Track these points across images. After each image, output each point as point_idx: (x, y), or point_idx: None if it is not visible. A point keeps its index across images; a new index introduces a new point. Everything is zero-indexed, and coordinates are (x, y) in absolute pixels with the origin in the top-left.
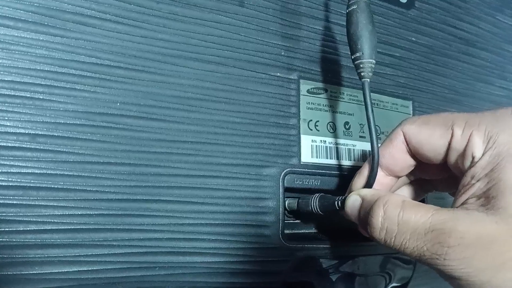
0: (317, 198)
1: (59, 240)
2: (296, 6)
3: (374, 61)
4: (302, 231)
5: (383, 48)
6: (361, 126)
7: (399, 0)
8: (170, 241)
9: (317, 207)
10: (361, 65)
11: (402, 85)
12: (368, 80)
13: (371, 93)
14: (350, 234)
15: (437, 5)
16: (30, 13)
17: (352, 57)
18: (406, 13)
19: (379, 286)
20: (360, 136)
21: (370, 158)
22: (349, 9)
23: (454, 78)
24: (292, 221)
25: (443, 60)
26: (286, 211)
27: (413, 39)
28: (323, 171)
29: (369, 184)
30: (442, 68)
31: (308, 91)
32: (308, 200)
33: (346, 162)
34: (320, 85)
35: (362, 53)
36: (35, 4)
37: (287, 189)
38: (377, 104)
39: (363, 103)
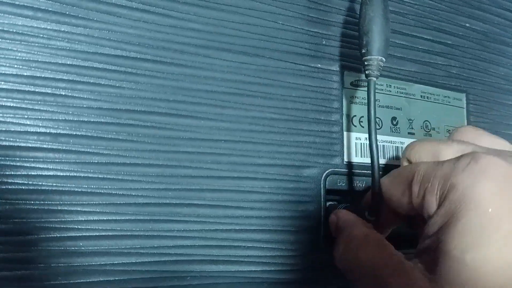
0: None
1: (83, 248)
2: None
3: (383, 59)
4: None
5: (433, 36)
6: (410, 121)
7: None
8: (202, 248)
9: None
10: (366, 62)
11: (454, 76)
12: (375, 79)
13: (423, 85)
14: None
15: None
16: (50, 2)
17: (360, 53)
18: None
19: None
20: (409, 133)
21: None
22: (362, 0)
23: (510, 67)
24: None
25: (499, 48)
26: None
27: (467, 25)
28: (369, 172)
29: (373, 198)
30: (498, 56)
31: (351, 83)
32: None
33: (393, 162)
34: (364, 77)
35: (367, 49)
36: None
37: (329, 192)
38: (428, 97)
39: (413, 96)
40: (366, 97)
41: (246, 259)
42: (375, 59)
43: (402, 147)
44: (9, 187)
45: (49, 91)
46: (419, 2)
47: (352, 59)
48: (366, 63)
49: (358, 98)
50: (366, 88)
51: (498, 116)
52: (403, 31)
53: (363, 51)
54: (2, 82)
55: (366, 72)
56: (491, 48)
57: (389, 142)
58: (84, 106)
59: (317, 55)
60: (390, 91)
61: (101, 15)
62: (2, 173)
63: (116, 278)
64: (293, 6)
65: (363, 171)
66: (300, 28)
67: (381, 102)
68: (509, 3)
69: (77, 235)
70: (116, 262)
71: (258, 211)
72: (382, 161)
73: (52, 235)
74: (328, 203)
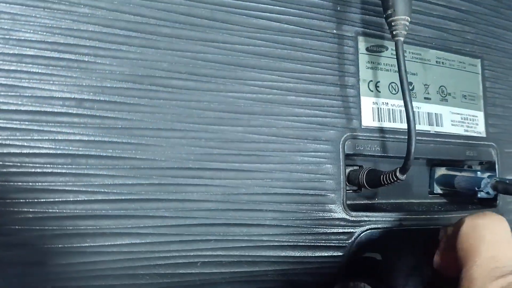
0: (366, 172)
1: (110, 211)
2: None
3: (408, 18)
4: (365, 201)
5: (448, 1)
6: (426, 87)
7: None
8: (225, 211)
9: (365, 182)
10: (393, 23)
11: (469, 41)
12: (402, 39)
13: (438, 51)
14: (420, 205)
15: None
16: None
17: (384, 15)
18: None
19: None
20: (425, 98)
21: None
22: None
23: None
24: (351, 191)
25: None
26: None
27: None
28: (386, 136)
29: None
30: None
31: (367, 49)
32: (357, 173)
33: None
34: (380, 42)
35: (394, 10)
36: None
37: (348, 156)
38: (443, 62)
39: (428, 62)
40: (396, 59)
41: (268, 222)
42: (402, 19)
43: (418, 112)
44: (36, 151)
45: (73, 57)
46: None
47: (367, 24)
48: (393, 23)
49: (374, 63)
50: (382, 54)
51: None
52: None
53: (389, 12)
54: (27, 48)
55: (394, 32)
56: (505, 15)
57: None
58: (107, 71)
59: (332, 20)
60: (406, 57)
61: None
62: (29, 137)
63: (143, 241)
64: None
65: (381, 135)
66: None
67: (396, 68)
68: None
69: (104, 198)
70: (142, 225)
71: (279, 173)
72: (398, 125)
73: (80, 198)
74: (348, 169)
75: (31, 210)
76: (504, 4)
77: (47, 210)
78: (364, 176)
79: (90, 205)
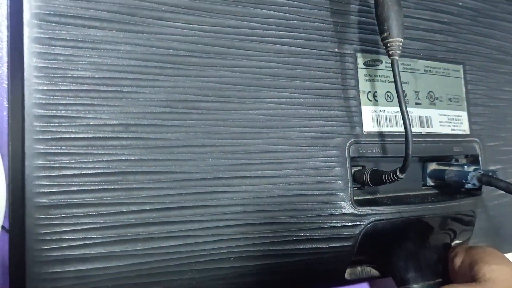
0: (369, 172)
1: (157, 219)
2: None
3: (401, 40)
4: (368, 196)
5: (432, 16)
6: (417, 93)
7: None
8: (251, 213)
9: (369, 181)
10: (388, 44)
11: (452, 50)
12: (397, 57)
13: (426, 61)
14: (416, 197)
15: None
16: (113, 13)
17: (380, 37)
18: None
19: (445, 243)
20: (416, 103)
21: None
22: None
23: (501, 39)
24: (356, 188)
25: (490, 22)
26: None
27: (460, 3)
28: (385, 139)
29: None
30: (490, 30)
31: (365, 63)
32: (361, 173)
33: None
34: (376, 57)
35: (389, 33)
36: (117, 4)
37: (353, 158)
38: (430, 70)
39: (417, 71)
40: (392, 74)
41: (287, 220)
42: (396, 40)
43: (412, 116)
44: (91, 171)
45: (118, 89)
46: None
47: (363, 42)
48: (388, 45)
49: (371, 76)
50: (377, 67)
51: (493, 83)
52: (405, 13)
53: (385, 34)
54: (81, 84)
55: (390, 52)
56: (483, 23)
57: (399, 113)
58: (147, 99)
59: (334, 40)
60: None
61: (155, 21)
62: (87, 160)
63: (185, 242)
64: (311, 0)
65: (380, 139)
66: (318, 18)
67: (390, 78)
68: None
69: (151, 208)
70: (183, 229)
71: (295, 178)
72: (395, 129)
73: (131, 209)
74: (353, 169)
75: (91, 221)
76: (481, 13)
77: (104, 221)
78: (368, 175)
79: (140, 214)
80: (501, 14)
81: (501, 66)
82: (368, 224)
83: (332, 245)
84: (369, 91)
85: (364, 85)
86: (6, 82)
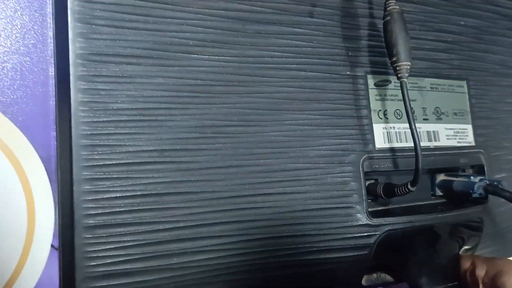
0: (382, 186)
1: (190, 235)
2: (355, 10)
3: (409, 63)
4: (382, 207)
5: (436, 36)
6: (424, 109)
7: None
8: (275, 227)
9: (382, 194)
10: (397, 68)
11: (456, 67)
12: (405, 80)
13: (431, 78)
14: (426, 207)
15: None
16: (147, 50)
17: (390, 61)
18: (453, 0)
19: (455, 249)
20: (424, 119)
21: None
22: (385, 20)
23: (503, 53)
24: (370, 200)
25: (491, 38)
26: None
27: (462, 22)
28: (396, 154)
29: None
30: (491, 46)
31: (375, 84)
32: (375, 186)
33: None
34: (385, 77)
35: (398, 57)
36: (150, 42)
37: (366, 173)
38: (436, 88)
39: (424, 89)
40: (401, 95)
41: (307, 232)
42: (404, 64)
43: (420, 131)
44: (131, 194)
45: (153, 118)
46: (421, 10)
47: (373, 64)
48: (397, 68)
49: (381, 95)
50: (387, 87)
51: (496, 96)
52: (412, 35)
53: (394, 59)
54: (120, 115)
55: (399, 75)
56: (484, 40)
57: (409, 128)
58: (179, 126)
59: (346, 64)
60: None
61: (184, 54)
62: (126, 184)
63: (215, 256)
64: (324, 28)
65: (391, 154)
66: (331, 44)
67: (399, 97)
68: None
69: (184, 225)
70: (214, 243)
71: (314, 193)
72: (404, 144)
73: (166, 227)
74: (367, 182)
75: (132, 239)
76: (482, 30)
77: (143, 238)
78: (382, 189)
79: (175, 232)
80: (501, 30)
81: (503, 80)
82: (383, 233)
83: (349, 254)
84: (380, 110)
85: (375, 104)
86: (54, 115)
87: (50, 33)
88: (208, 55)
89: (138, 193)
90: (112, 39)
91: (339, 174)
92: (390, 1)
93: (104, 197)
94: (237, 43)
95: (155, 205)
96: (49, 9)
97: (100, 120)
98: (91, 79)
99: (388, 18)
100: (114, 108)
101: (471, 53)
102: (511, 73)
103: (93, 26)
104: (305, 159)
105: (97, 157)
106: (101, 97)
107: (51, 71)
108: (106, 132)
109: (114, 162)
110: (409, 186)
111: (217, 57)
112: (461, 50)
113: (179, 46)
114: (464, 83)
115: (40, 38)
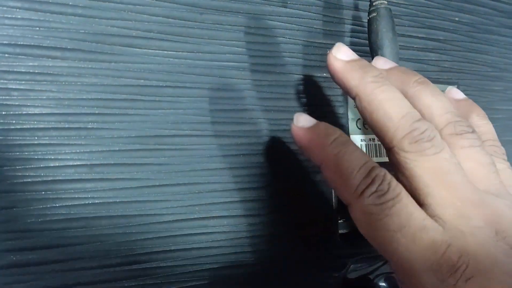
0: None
1: (127, 267)
2: (338, 0)
3: None
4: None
5: (426, 33)
6: None
7: None
8: (229, 255)
9: None
10: None
11: (446, 70)
12: None
13: None
14: None
15: None
16: (76, 41)
17: None
18: None
19: None
20: None
21: None
22: (370, 16)
23: (496, 54)
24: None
25: (486, 37)
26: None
27: (457, 18)
28: None
29: None
30: (485, 46)
31: None
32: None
33: None
34: None
35: None
36: (80, 31)
37: None
38: None
39: None
40: None
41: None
42: None
43: None
44: (53, 218)
45: (82, 126)
46: (412, 2)
47: None
48: None
49: None
50: None
51: (487, 102)
52: (399, 32)
53: None
54: (38, 122)
55: None
56: (478, 39)
57: None
58: (115, 136)
59: (322, 65)
60: None
61: (124, 48)
62: (44, 206)
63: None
64: (298, 20)
65: None
66: (306, 40)
67: None
68: None
69: (118, 255)
70: (154, 273)
71: (281, 198)
72: (384, 159)
73: (93, 258)
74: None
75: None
76: (477, 28)
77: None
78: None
79: (102, 270)
80: (495, 28)
81: (495, 84)
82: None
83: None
84: (359, 119)
85: (353, 113)
86: None
87: None
88: (154, 50)
89: (61, 218)
90: (30, 26)
91: (313, 184)
92: None
93: (17, 224)
94: (192, 36)
95: (81, 232)
96: None
97: (11, 128)
98: (1, 76)
99: (374, 14)
100: (31, 113)
101: (463, 53)
102: (504, 76)
103: (5, 8)
104: (272, 172)
105: (7, 173)
106: (13, 99)
107: None
108: (19, 143)
109: (29, 180)
110: None
111: (165, 52)
112: (453, 51)
113: (118, 38)
114: (454, 87)
115: None
